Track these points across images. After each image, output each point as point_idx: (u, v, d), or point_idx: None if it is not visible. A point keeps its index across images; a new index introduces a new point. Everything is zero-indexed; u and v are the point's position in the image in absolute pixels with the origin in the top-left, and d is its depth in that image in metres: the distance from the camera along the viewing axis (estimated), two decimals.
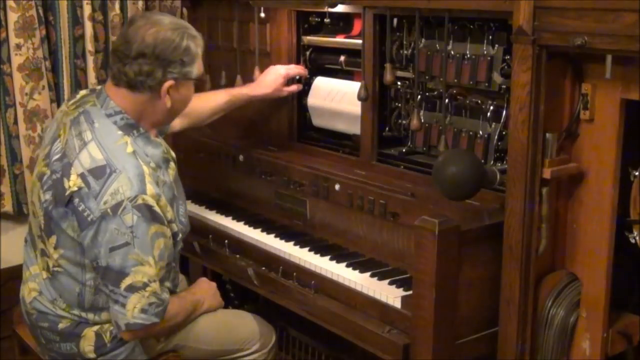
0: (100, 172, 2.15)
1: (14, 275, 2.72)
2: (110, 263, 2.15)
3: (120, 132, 2.24)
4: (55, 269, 2.28)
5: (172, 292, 2.41)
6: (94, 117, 2.26)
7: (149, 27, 2.21)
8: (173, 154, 2.44)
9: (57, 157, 2.25)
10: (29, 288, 2.38)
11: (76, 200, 2.16)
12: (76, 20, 3.33)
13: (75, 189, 2.15)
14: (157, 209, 2.18)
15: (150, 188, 2.17)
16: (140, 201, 2.14)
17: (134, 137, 2.25)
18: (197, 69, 2.29)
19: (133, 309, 2.17)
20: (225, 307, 2.64)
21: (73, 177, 2.17)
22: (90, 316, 2.30)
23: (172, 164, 2.38)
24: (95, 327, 2.31)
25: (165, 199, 2.24)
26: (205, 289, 2.55)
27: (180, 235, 2.34)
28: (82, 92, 2.41)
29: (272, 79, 2.86)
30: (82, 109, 2.30)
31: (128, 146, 2.22)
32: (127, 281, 2.15)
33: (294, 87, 2.91)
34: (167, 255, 2.24)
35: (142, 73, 2.21)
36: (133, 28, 2.22)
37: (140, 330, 2.23)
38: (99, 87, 2.36)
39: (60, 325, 2.32)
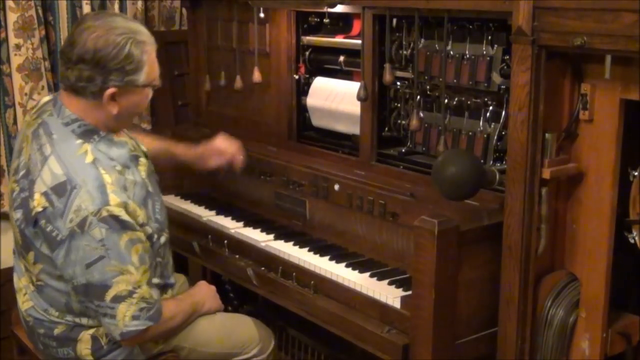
0: (62, 190, 2.11)
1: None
2: (89, 279, 2.12)
3: (79, 141, 2.19)
4: (39, 283, 2.26)
5: (164, 286, 2.41)
6: (51, 128, 2.21)
7: (92, 31, 2.14)
8: (143, 147, 2.40)
9: (22, 173, 2.21)
10: (22, 299, 2.37)
11: (42, 221, 2.13)
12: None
13: (40, 209, 2.12)
14: (125, 217, 2.13)
15: (114, 197, 2.12)
16: (104, 213, 2.10)
17: (95, 143, 2.20)
18: (144, 75, 2.19)
19: (124, 318, 2.15)
20: (225, 307, 2.63)
21: (37, 196, 2.13)
22: (84, 320, 2.28)
23: (142, 160, 2.34)
24: (91, 331, 2.29)
25: (136, 200, 2.20)
26: (205, 292, 2.54)
27: (156, 235, 2.30)
28: (44, 100, 2.37)
29: (205, 153, 2.78)
30: (41, 119, 2.25)
31: (88, 155, 2.17)
32: (111, 293, 2.13)
33: (219, 162, 2.79)
34: (147, 257, 2.22)
35: (82, 79, 2.15)
36: (79, 30, 2.16)
37: (136, 336, 2.21)
38: (56, 94, 2.31)
39: (56, 331, 2.30)
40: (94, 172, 2.14)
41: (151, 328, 2.22)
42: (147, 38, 2.22)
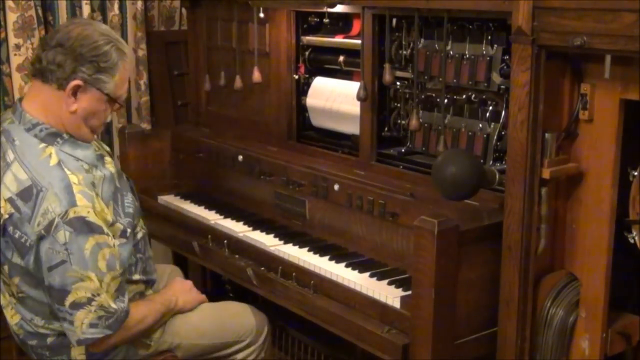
0: (28, 195, 2.10)
1: None
2: (51, 282, 2.11)
3: (42, 145, 2.17)
4: (20, 295, 2.24)
5: (147, 282, 2.41)
6: (13, 134, 2.20)
7: (80, 25, 2.20)
8: (107, 147, 2.40)
9: None
10: (10, 313, 2.35)
11: (10, 228, 2.12)
12: None
13: (7, 216, 2.11)
14: (91, 218, 2.11)
15: (81, 198, 2.11)
16: (71, 215, 2.09)
17: (59, 145, 2.19)
18: (113, 84, 2.20)
19: (81, 325, 2.13)
20: None
21: (2, 203, 2.12)
22: None
23: (107, 159, 2.34)
24: None
25: (104, 197, 2.20)
26: (178, 288, 2.51)
27: (130, 229, 2.28)
28: (5, 112, 2.36)
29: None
30: (2, 127, 2.24)
31: (52, 157, 2.16)
32: (69, 299, 2.11)
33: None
34: (119, 262, 2.18)
35: (54, 62, 2.14)
36: (67, 22, 2.21)
37: (95, 344, 2.19)
38: (16, 102, 2.29)
39: (49, 340, 2.29)
40: (60, 174, 2.13)
41: (108, 337, 2.19)
42: (129, 53, 2.26)
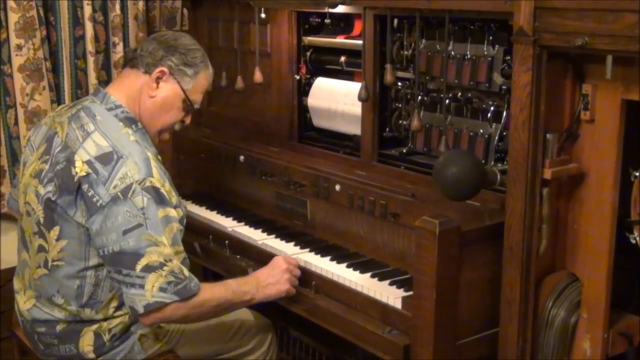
0: (108, 159, 2.18)
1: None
2: (123, 247, 2.14)
3: (121, 124, 2.29)
4: (55, 263, 2.27)
5: None
6: (94, 111, 2.31)
7: (182, 34, 2.47)
8: (160, 159, 2.42)
9: (58, 149, 2.26)
10: (24, 298, 2.38)
11: (85, 186, 2.17)
12: (77, 21, 3.33)
13: (83, 174, 2.17)
14: (163, 191, 2.20)
15: (156, 172, 2.21)
16: (148, 183, 2.17)
17: (133, 131, 2.29)
18: (193, 85, 2.39)
19: (152, 288, 2.13)
20: None
21: (78, 163, 2.19)
22: (87, 312, 2.28)
23: (162, 167, 2.37)
24: (94, 327, 2.30)
25: (169, 185, 2.27)
26: (264, 277, 2.38)
27: (185, 221, 2.33)
28: (69, 104, 2.48)
29: None
30: (80, 106, 2.35)
31: (130, 135, 2.27)
32: (142, 262, 2.13)
33: None
34: (180, 240, 2.24)
35: (147, 49, 2.35)
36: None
37: (160, 310, 2.16)
38: (97, 87, 2.44)
39: (58, 327, 2.31)
40: (139, 147, 2.25)
41: (174, 305, 2.16)
42: (210, 67, 2.46)
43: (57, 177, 2.22)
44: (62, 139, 2.27)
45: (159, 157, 2.38)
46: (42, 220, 2.27)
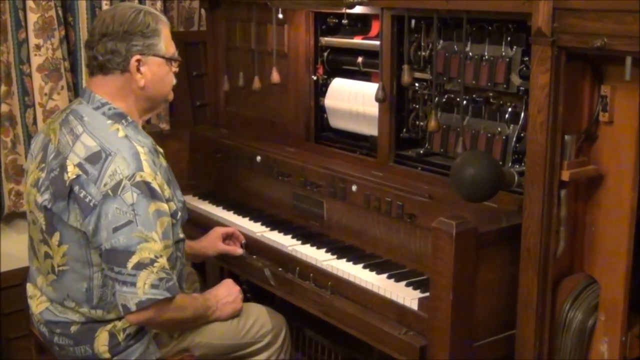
0: (96, 158, 2.18)
1: None
2: (114, 244, 2.15)
3: (110, 121, 2.28)
4: (61, 268, 2.28)
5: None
6: (82, 112, 2.30)
7: (107, 12, 2.34)
8: (161, 149, 2.43)
9: (52, 156, 2.27)
10: (36, 302, 2.39)
11: (76, 187, 2.17)
12: None
13: (74, 176, 2.18)
14: (155, 185, 2.19)
15: (147, 166, 2.20)
16: (138, 178, 2.16)
17: (124, 126, 2.28)
18: (163, 45, 2.32)
19: (144, 286, 2.15)
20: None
21: (70, 168, 2.19)
22: (99, 313, 2.29)
23: (161, 157, 2.39)
24: (108, 327, 2.30)
25: (162, 178, 2.27)
26: (222, 296, 2.51)
27: (180, 214, 2.34)
28: (62, 108, 2.46)
29: (211, 236, 2.79)
30: (69, 109, 2.35)
31: (120, 132, 2.25)
32: (133, 260, 2.14)
33: (231, 249, 2.79)
34: (170, 234, 2.25)
35: (107, 52, 2.27)
36: (96, 18, 2.35)
37: (152, 308, 2.18)
38: (84, 88, 2.42)
39: (73, 328, 2.32)
40: (128, 143, 2.23)
41: (168, 301, 2.20)
42: (159, 14, 2.37)
43: (52, 184, 2.24)
44: (55, 145, 2.28)
45: (159, 148, 2.39)
46: (44, 227, 2.28)
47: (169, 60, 2.36)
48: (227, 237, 2.82)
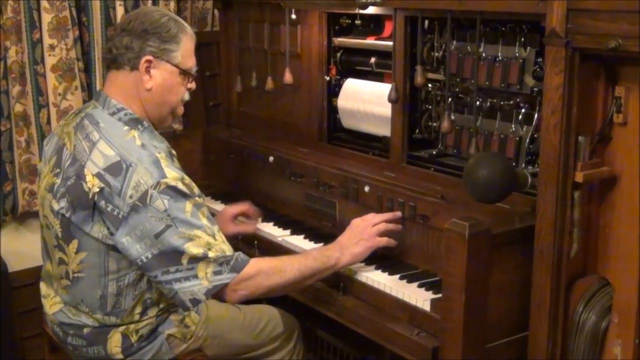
0: (117, 169, 2.16)
1: None
2: (161, 248, 2.13)
3: (126, 127, 2.26)
4: (76, 275, 2.27)
5: None
6: (97, 118, 2.28)
7: (137, 10, 2.38)
8: (174, 152, 2.43)
9: (68, 163, 2.25)
10: (50, 303, 2.40)
11: (102, 202, 2.15)
12: (109, 21, 3.36)
13: (97, 189, 2.15)
14: (181, 186, 2.17)
15: (170, 171, 2.18)
16: (163, 186, 2.14)
17: (139, 132, 2.27)
18: (180, 55, 2.30)
19: (206, 275, 2.15)
20: None
21: (89, 178, 2.17)
22: (113, 319, 2.29)
23: (175, 160, 2.37)
24: (121, 328, 2.30)
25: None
26: (345, 239, 2.41)
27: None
28: (87, 103, 2.44)
29: (219, 220, 2.75)
30: (84, 113, 2.32)
31: (137, 139, 2.24)
32: (186, 257, 2.14)
33: (244, 228, 2.83)
34: (214, 219, 2.24)
35: (122, 46, 2.27)
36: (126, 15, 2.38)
37: (228, 289, 2.17)
38: (99, 91, 2.39)
39: (86, 330, 2.32)
40: (146, 152, 2.21)
41: (240, 279, 2.18)
42: (186, 25, 2.34)
43: (69, 193, 2.21)
44: (70, 151, 2.26)
45: (173, 151, 2.38)
46: (59, 234, 2.27)
47: (183, 72, 2.33)
48: (240, 215, 2.81)
